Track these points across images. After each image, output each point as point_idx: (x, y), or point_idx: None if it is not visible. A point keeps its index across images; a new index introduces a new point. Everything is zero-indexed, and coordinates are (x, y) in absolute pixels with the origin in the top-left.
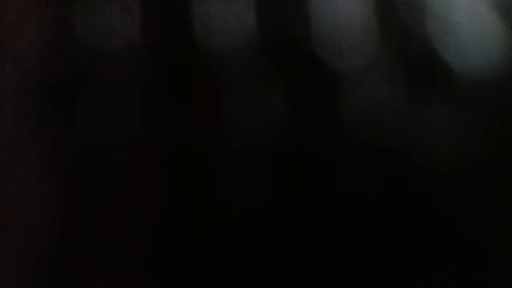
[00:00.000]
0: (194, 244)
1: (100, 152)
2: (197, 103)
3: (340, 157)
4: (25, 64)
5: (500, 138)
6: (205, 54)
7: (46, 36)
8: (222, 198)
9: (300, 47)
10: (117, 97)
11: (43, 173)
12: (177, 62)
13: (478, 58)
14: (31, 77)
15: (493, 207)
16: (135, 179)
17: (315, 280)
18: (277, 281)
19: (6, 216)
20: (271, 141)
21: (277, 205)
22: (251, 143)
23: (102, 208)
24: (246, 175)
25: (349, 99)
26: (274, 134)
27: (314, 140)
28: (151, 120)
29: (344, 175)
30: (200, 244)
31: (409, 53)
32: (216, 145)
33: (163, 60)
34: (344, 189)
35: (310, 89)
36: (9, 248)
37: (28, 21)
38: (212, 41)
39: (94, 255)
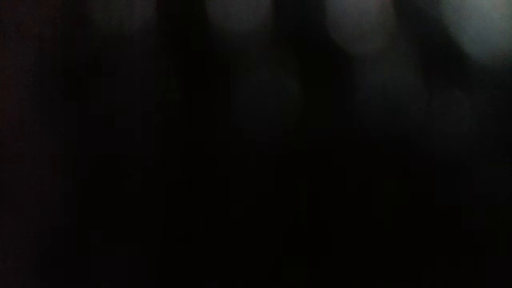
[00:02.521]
0: (198, 240)
1: (109, 143)
2: (211, 88)
3: (355, 141)
4: (41, 46)
5: None
6: (220, 39)
7: (62, 19)
8: (233, 187)
9: (316, 31)
10: (130, 82)
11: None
12: (191, 46)
13: (494, 43)
14: (47, 59)
15: (509, 195)
16: (146, 171)
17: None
18: (289, 279)
19: (6, 216)
20: (286, 126)
21: (292, 194)
22: (266, 128)
23: (106, 205)
24: (260, 162)
25: (364, 84)
26: (289, 118)
27: (329, 125)
28: (164, 105)
29: (360, 159)
30: (204, 240)
31: (425, 37)
32: (230, 131)
33: (177, 44)
34: (359, 175)
35: (325, 74)
36: (9, 248)
37: (45, 4)
38: (228, 25)
39: (96, 254)
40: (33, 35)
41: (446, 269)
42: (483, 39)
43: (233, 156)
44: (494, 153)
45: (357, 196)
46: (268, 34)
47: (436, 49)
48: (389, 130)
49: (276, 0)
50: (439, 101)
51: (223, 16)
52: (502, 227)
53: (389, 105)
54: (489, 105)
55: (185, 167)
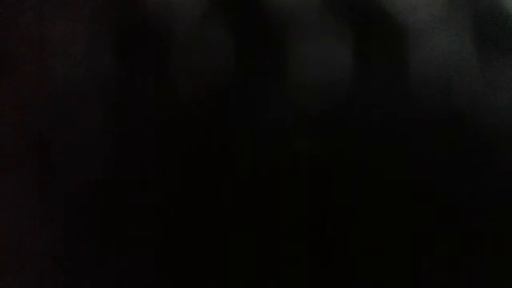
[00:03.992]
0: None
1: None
2: (262, 56)
3: (405, 114)
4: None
5: None
6: (272, 6)
7: None
8: (282, 156)
9: (370, 1)
10: (181, 51)
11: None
12: (241, 14)
13: None
14: (99, 24)
15: None
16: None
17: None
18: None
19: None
20: (336, 94)
21: (345, 168)
22: (317, 100)
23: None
24: (309, 129)
25: (416, 55)
26: (341, 90)
27: (380, 96)
28: (214, 72)
29: (409, 132)
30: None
31: (478, 8)
32: (279, 100)
33: (228, 13)
34: (409, 147)
35: (378, 44)
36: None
37: None
38: None
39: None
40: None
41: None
42: None
43: (283, 127)
44: None
45: (410, 171)
46: (321, 1)
47: (490, 20)
48: (443, 102)
49: None
50: (493, 73)
51: None
52: None
53: (441, 76)
54: None
55: (233, 134)
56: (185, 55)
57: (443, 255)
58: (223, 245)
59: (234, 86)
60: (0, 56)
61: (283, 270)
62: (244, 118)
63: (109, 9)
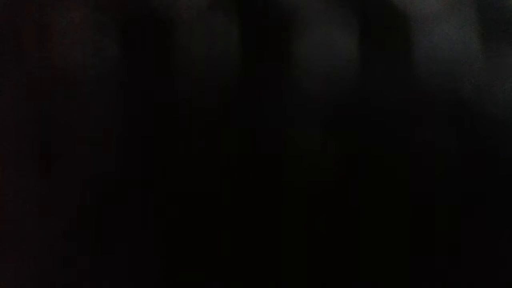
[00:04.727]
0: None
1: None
2: (267, 47)
3: (410, 105)
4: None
5: None
6: None
7: None
8: (284, 148)
9: None
10: (187, 41)
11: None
12: (248, 3)
13: None
14: (106, 13)
15: None
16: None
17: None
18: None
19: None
20: (341, 84)
21: (349, 160)
22: (321, 86)
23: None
24: (316, 125)
25: (422, 46)
26: (345, 77)
27: (385, 86)
28: (220, 64)
29: (414, 123)
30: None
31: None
32: (284, 92)
33: (232, 2)
34: (413, 139)
35: (383, 34)
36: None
37: None
38: None
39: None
40: None
41: None
42: None
43: (288, 119)
44: None
45: (417, 161)
46: None
47: (496, 11)
48: (446, 91)
49: None
50: (500, 64)
51: None
52: None
53: (447, 67)
54: None
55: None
56: (189, 45)
57: (443, 255)
58: (223, 245)
59: (238, 77)
60: (2, 46)
61: (284, 270)
62: (248, 111)
63: None
